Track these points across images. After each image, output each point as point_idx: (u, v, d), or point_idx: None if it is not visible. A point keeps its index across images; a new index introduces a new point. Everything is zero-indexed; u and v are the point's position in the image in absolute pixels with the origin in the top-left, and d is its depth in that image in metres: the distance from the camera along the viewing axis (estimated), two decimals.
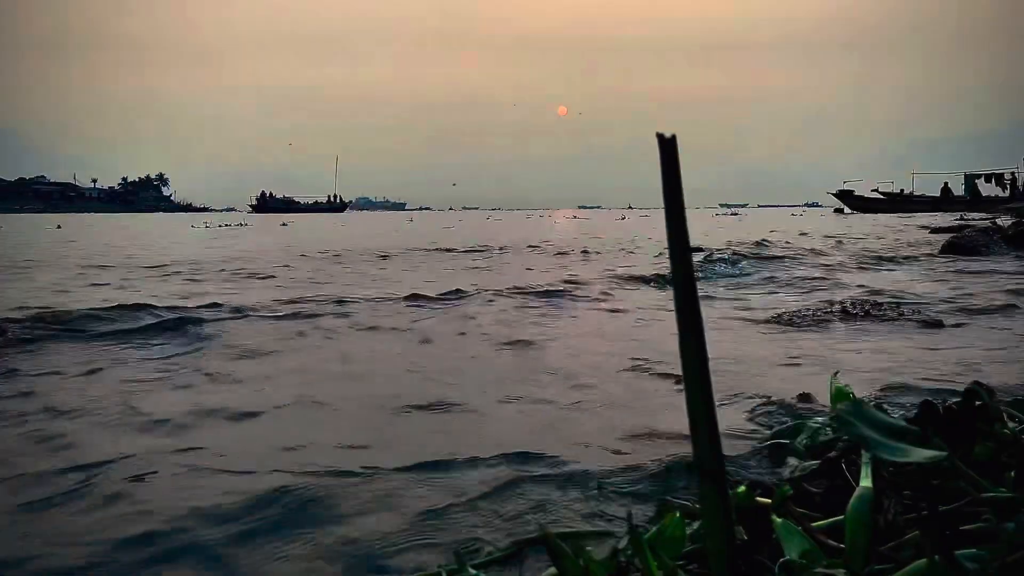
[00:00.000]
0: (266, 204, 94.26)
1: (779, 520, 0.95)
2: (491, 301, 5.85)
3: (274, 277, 8.42)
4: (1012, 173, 43.76)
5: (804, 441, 1.43)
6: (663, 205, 0.49)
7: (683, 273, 0.49)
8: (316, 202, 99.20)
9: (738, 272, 8.19)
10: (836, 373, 1.69)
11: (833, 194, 47.17)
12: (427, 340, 4.31)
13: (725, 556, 0.49)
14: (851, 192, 46.30)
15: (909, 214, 36.97)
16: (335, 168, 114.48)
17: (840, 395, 1.41)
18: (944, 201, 42.67)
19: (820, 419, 1.55)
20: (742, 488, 1.02)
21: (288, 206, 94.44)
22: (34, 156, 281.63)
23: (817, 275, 7.93)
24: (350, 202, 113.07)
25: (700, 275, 7.36)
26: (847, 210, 45.37)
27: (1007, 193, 42.14)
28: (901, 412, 1.55)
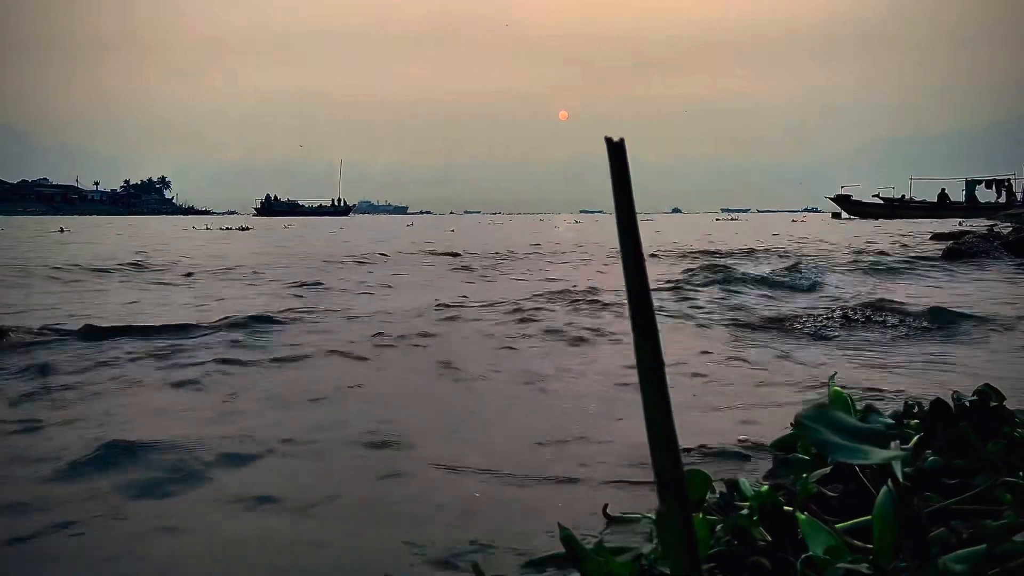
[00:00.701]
0: (271, 207, 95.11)
1: (803, 517, 0.95)
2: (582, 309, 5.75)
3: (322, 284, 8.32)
4: (1008, 180, 43.74)
5: (806, 447, 1.42)
6: (614, 210, 0.47)
7: (636, 279, 0.47)
8: (320, 205, 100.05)
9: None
10: (834, 375, 1.67)
11: (831, 199, 47.08)
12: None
13: (684, 569, 0.47)
14: (848, 197, 46.18)
15: (907, 219, 37.00)
16: (339, 172, 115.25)
17: (838, 397, 1.40)
18: (941, 207, 42.65)
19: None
20: (765, 487, 1.02)
21: (293, 209, 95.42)
22: (37, 158, 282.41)
23: (820, 281, 7.89)
24: (353, 206, 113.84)
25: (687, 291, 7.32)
26: (844, 215, 45.30)
27: (1003, 199, 42.11)
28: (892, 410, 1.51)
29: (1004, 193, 42.90)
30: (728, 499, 1.16)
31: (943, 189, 44.87)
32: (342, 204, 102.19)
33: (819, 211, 48.06)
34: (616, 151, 0.47)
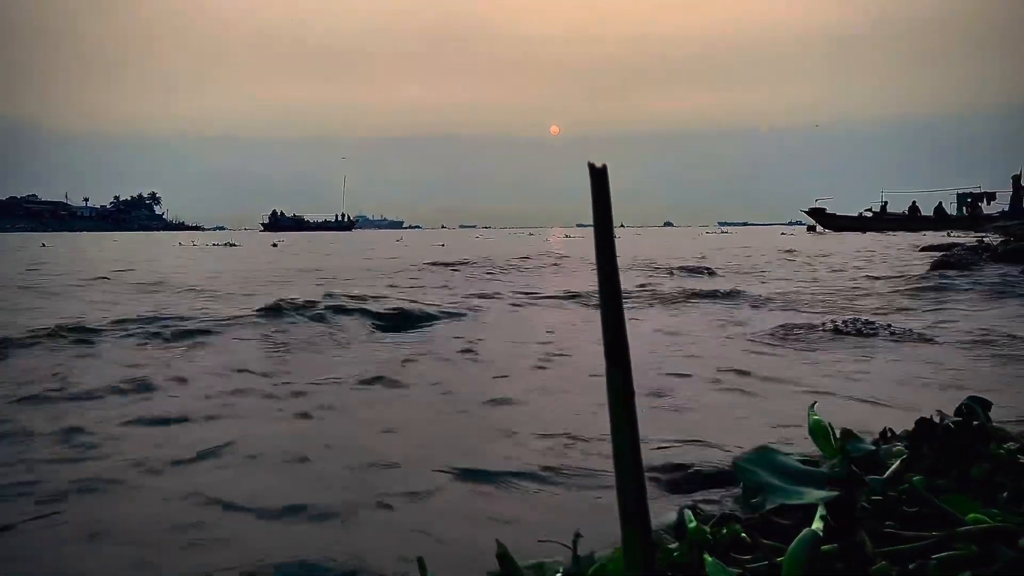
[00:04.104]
0: (277, 223, 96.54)
1: (710, 559, 0.95)
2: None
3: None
4: (972, 193, 44.24)
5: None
6: (593, 234, 0.47)
7: (611, 305, 0.47)
8: (326, 221, 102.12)
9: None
10: (814, 404, 1.65)
11: (805, 212, 47.33)
12: None
13: None
14: (823, 210, 46.43)
15: (881, 232, 37.41)
16: (343, 187, 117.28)
17: (817, 427, 1.38)
18: (913, 220, 42.97)
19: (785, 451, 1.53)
20: (693, 525, 1.02)
21: (299, 224, 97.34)
22: (25, 174, 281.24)
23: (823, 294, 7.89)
24: (356, 220, 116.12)
25: None
26: (819, 228, 45.49)
27: (972, 212, 42.44)
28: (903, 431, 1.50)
29: (970, 208, 43.33)
30: (680, 528, 1.18)
31: (913, 202, 45.20)
32: (346, 219, 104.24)
33: (802, 224, 48.30)
34: (598, 177, 0.47)
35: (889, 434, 1.46)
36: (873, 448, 1.24)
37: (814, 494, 0.91)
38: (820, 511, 0.98)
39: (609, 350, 0.45)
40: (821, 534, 0.93)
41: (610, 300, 0.45)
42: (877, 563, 0.94)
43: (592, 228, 0.49)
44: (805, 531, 0.93)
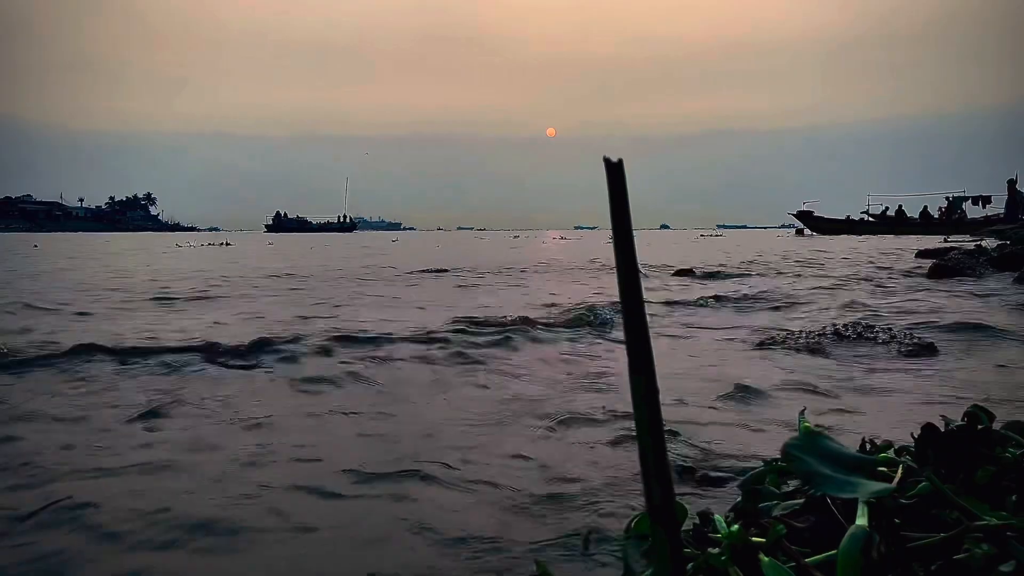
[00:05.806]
0: (281, 224, 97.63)
1: (767, 559, 0.94)
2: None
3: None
4: (948, 198, 44.70)
5: (776, 478, 1.41)
6: (611, 230, 0.47)
7: (633, 305, 0.46)
8: (328, 222, 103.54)
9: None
10: (803, 411, 1.65)
11: (793, 215, 47.97)
12: None
13: None
14: (810, 213, 47.11)
15: (869, 235, 37.88)
16: (345, 189, 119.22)
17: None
18: (899, 223, 43.53)
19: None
20: (736, 527, 1.01)
21: (302, 226, 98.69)
22: (20, 174, 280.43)
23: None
24: (358, 221, 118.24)
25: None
26: (807, 231, 46.09)
27: (955, 217, 42.85)
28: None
29: (946, 212, 43.90)
30: (701, 532, 1.16)
31: (900, 206, 45.74)
32: (347, 220, 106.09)
33: (793, 227, 49.17)
34: (614, 172, 0.46)
35: (869, 446, 1.46)
36: (872, 458, 1.24)
37: (866, 488, 0.88)
38: (862, 508, 0.96)
39: (632, 352, 0.45)
40: (866, 531, 0.91)
41: (631, 302, 0.45)
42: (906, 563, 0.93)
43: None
44: (854, 527, 0.90)
